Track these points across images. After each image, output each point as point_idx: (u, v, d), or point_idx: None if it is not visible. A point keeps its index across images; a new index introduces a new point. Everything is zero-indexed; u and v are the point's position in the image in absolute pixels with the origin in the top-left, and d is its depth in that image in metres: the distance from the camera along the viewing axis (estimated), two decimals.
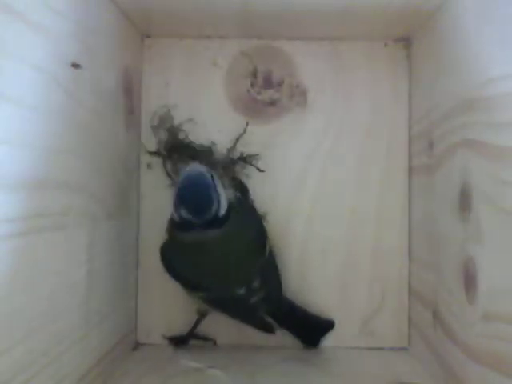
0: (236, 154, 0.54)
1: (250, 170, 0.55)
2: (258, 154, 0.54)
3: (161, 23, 0.52)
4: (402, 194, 0.55)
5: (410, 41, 0.55)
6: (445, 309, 0.44)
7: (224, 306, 0.49)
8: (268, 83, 0.56)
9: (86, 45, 0.39)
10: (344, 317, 0.55)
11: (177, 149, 0.54)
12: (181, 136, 0.54)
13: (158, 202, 0.55)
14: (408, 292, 0.54)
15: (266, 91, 0.56)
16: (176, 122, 0.54)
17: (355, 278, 0.55)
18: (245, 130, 0.54)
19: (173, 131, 0.54)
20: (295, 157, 0.55)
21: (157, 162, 0.55)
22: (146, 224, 0.55)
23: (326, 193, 0.55)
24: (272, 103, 0.55)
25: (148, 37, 0.55)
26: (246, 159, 0.54)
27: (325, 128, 0.55)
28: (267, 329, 0.50)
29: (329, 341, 0.54)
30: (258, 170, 0.54)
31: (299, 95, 0.56)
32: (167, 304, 0.54)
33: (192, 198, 0.43)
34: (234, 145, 0.54)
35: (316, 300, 0.55)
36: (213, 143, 0.54)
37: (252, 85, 0.55)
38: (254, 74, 0.55)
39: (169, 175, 0.54)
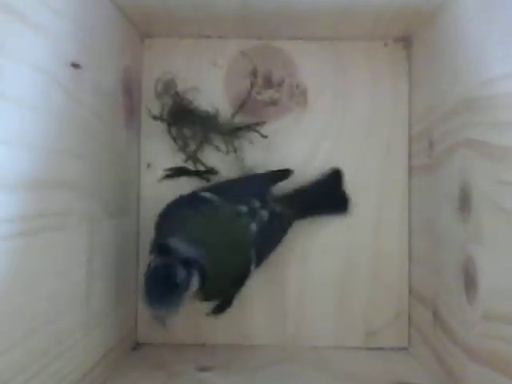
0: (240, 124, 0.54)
1: (253, 136, 0.55)
2: (263, 122, 0.54)
3: (161, 23, 0.52)
4: (401, 194, 0.55)
5: (410, 41, 0.55)
6: (445, 309, 0.44)
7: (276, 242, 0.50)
8: (268, 83, 0.56)
9: (85, 45, 0.39)
10: (344, 317, 0.55)
11: (181, 115, 0.54)
12: (185, 102, 0.54)
13: (158, 202, 0.54)
14: (408, 292, 0.54)
15: (266, 91, 0.56)
16: (180, 89, 0.54)
17: (355, 277, 0.55)
18: (249, 96, 0.55)
19: (177, 98, 0.54)
20: (295, 157, 0.55)
21: (157, 161, 0.55)
22: (145, 224, 0.55)
23: None
24: (272, 103, 0.56)
25: (148, 37, 0.55)
26: (249, 125, 0.54)
27: (325, 128, 0.55)
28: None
29: (329, 341, 0.55)
30: (261, 135, 0.54)
31: (299, 95, 0.56)
32: None
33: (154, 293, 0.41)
34: (237, 110, 0.54)
35: (316, 299, 0.55)
36: (217, 110, 0.54)
37: (252, 85, 0.55)
38: (254, 74, 0.55)
39: (174, 140, 0.54)
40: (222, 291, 0.47)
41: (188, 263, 0.42)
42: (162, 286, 0.41)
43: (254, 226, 0.47)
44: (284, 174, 0.52)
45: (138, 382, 0.45)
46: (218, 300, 0.48)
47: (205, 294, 0.45)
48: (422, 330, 0.50)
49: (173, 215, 0.47)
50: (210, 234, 0.45)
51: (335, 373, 0.47)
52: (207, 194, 0.48)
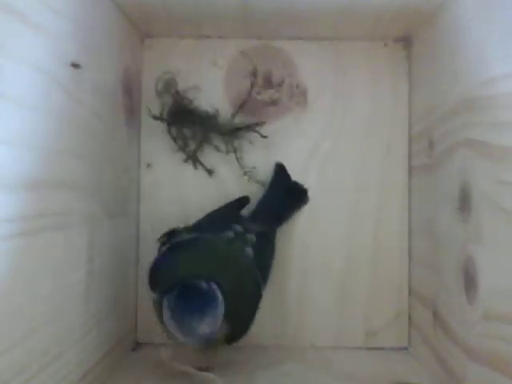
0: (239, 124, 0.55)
1: (253, 136, 0.55)
2: (263, 122, 0.54)
3: (161, 23, 0.52)
4: (401, 194, 0.55)
5: (410, 41, 0.55)
6: (445, 309, 0.44)
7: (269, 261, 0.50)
8: (268, 83, 0.56)
9: (85, 45, 0.39)
10: (344, 317, 0.55)
11: (181, 114, 0.54)
12: (185, 102, 0.54)
13: (157, 202, 0.55)
14: (408, 292, 0.54)
15: (266, 91, 0.56)
16: (181, 88, 0.54)
17: (355, 277, 0.55)
18: (249, 96, 0.55)
19: (177, 96, 0.54)
20: (295, 157, 0.55)
21: (157, 161, 0.55)
22: (145, 224, 0.55)
23: (326, 193, 0.55)
24: (272, 103, 0.56)
25: (148, 37, 0.55)
26: (249, 125, 0.54)
27: (325, 128, 0.55)
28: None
29: (329, 341, 0.55)
30: (261, 136, 0.54)
31: (299, 95, 0.56)
32: None
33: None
34: (237, 111, 0.54)
35: (316, 300, 0.55)
36: (217, 111, 0.54)
37: (252, 85, 0.55)
38: (254, 74, 0.55)
39: (174, 140, 0.54)
40: (248, 321, 0.45)
41: (200, 277, 0.40)
42: (192, 305, 0.39)
43: (249, 250, 0.46)
44: (243, 200, 0.53)
45: (138, 382, 0.45)
46: (243, 333, 0.46)
47: (231, 324, 0.42)
48: (422, 329, 0.50)
49: (166, 266, 0.44)
50: (212, 265, 0.43)
51: (335, 373, 0.47)
52: (188, 236, 0.46)
